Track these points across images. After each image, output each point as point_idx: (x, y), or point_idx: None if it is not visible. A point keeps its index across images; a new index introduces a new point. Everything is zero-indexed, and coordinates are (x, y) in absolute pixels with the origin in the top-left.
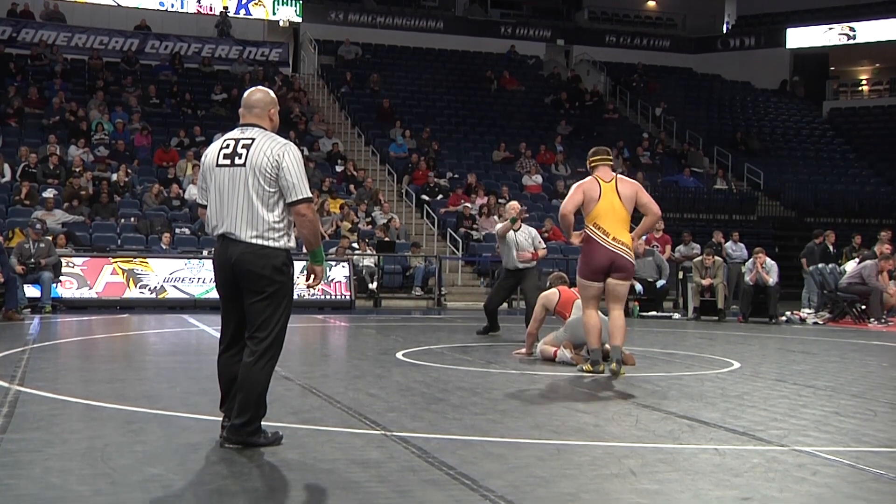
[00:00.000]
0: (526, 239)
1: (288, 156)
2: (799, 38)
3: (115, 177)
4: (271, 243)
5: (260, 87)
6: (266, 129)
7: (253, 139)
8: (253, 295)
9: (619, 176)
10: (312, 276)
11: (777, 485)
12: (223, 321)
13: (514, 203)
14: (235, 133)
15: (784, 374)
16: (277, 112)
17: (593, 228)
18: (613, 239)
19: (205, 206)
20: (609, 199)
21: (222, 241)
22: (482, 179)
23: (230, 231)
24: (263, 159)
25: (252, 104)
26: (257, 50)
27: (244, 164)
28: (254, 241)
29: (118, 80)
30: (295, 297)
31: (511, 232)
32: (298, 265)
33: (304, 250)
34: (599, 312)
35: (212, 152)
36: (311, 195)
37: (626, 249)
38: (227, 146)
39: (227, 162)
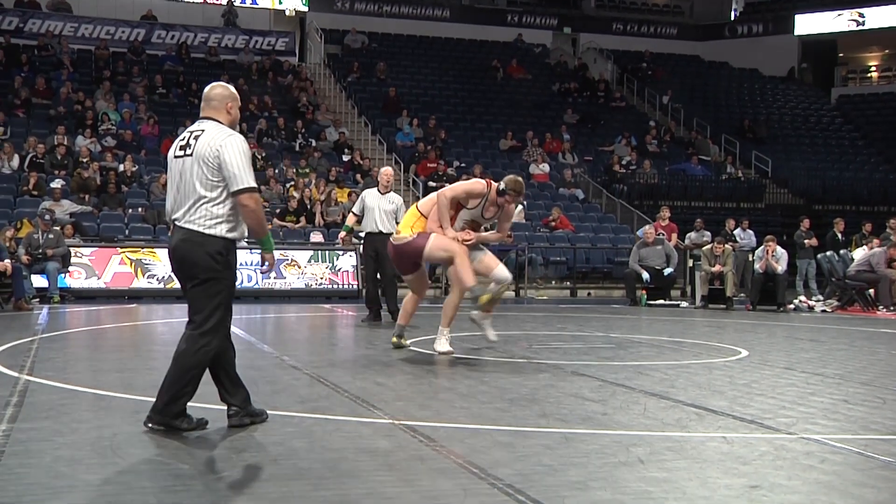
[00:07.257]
0: (391, 203)
1: (229, 146)
2: (807, 24)
3: (122, 167)
4: (207, 230)
5: (221, 82)
6: (220, 122)
7: (203, 130)
8: (188, 281)
9: None
10: (266, 264)
11: (785, 472)
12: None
13: (387, 169)
14: (193, 126)
15: (792, 362)
16: (237, 106)
17: None
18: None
19: None
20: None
21: (172, 228)
22: (489, 168)
23: (177, 218)
24: (207, 149)
25: (210, 97)
26: (264, 39)
27: (191, 154)
28: (192, 227)
29: (125, 70)
30: (302, 286)
31: (373, 196)
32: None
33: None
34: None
35: (173, 145)
36: (254, 185)
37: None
38: (183, 138)
39: (182, 153)
